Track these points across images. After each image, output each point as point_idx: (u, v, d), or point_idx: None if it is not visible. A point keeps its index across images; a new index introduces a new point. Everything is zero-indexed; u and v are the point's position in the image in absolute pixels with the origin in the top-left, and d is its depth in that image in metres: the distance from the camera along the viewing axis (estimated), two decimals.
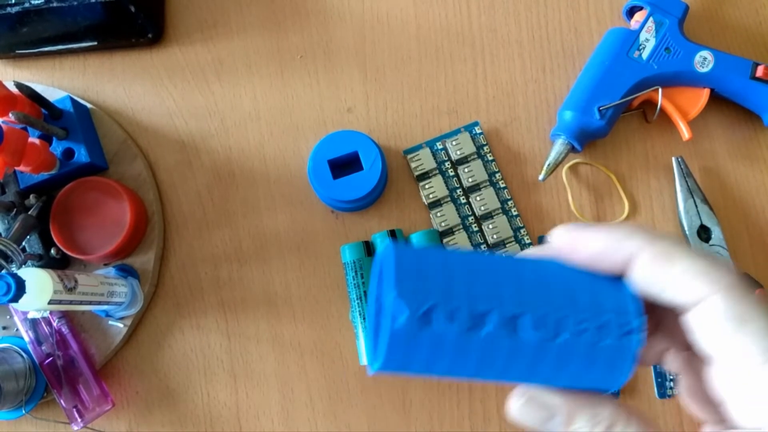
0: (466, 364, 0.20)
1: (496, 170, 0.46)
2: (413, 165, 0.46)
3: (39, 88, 0.47)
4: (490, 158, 0.46)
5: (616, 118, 0.45)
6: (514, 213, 0.45)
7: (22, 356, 0.43)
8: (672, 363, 0.24)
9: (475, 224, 0.45)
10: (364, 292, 0.43)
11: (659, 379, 0.43)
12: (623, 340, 0.20)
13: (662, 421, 0.43)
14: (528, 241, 0.45)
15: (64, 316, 0.44)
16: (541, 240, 0.45)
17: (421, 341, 0.19)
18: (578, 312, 0.20)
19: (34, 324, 0.44)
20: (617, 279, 0.21)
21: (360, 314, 0.43)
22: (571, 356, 0.20)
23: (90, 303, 0.40)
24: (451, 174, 0.46)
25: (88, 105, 0.48)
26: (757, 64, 0.43)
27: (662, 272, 0.20)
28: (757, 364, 0.18)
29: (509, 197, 0.46)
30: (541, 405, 0.21)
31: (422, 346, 0.19)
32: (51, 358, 0.43)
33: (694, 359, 0.23)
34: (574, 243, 0.22)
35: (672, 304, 0.20)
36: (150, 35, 0.49)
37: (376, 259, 0.23)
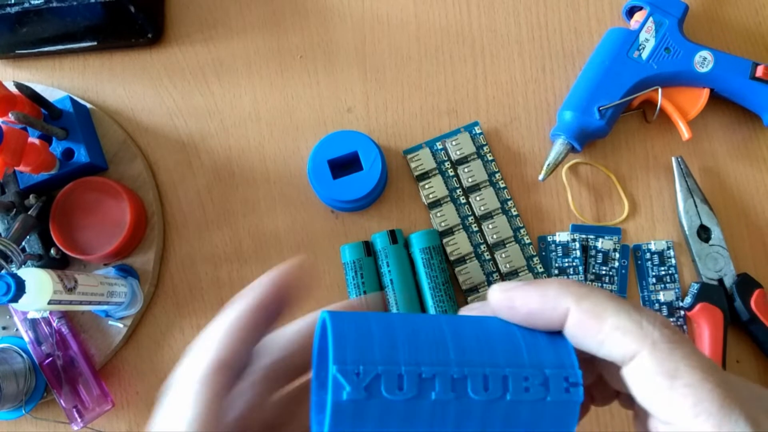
0: (416, 429, 0.20)
1: (496, 170, 0.46)
2: (413, 165, 0.46)
3: (39, 88, 0.47)
4: (490, 158, 0.46)
5: (616, 118, 0.45)
6: (514, 213, 0.45)
7: (22, 356, 0.43)
8: (624, 404, 0.25)
9: (475, 224, 0.45)
10: (365, 291, 0.43)
11: None
12: (565, 394, 0.20)
13: None
14: (528, 241, 0.45)
15: (64, 316, 0.44)
16: (540, 240, 0.45)
17: (367, 412, 0.19)
18: (521, 369, 0.20)
19: (33, 324, 0.44)
20: (555, 334, 0.22)
21: None
22: (519, 413, 0.20)
23: (90, 303, 0.40)
24: (451, 174, 0.46)
25: (88, 105, 0.48)
26: (756, 64, 0.43)
27: (593, 331, 0.20)
28: (688, 418, 0.18)
29: (509, 197, 0.46)
30: None
31: (368, 416, 0.19)
32: (51, 358, 0.43)
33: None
34: (510, 302, 0.22)
35: (608, 359, 0.20)
36: (150, 35, 0.49)
37: (316, 331, 0.23)
